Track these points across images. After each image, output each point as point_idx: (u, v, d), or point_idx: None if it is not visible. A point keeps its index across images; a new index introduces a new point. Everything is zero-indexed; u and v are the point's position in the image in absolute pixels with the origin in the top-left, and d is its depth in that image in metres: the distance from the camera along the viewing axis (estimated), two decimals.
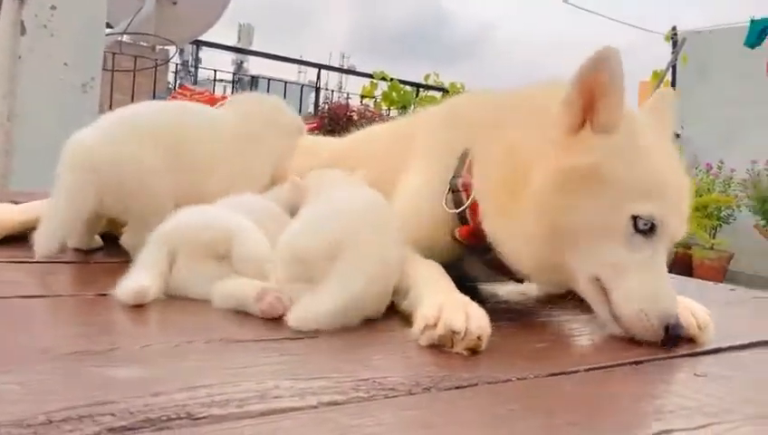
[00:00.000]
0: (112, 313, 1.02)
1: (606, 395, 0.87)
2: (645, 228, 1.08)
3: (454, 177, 1.28)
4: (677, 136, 8.64)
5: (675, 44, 8.00)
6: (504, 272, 1.25)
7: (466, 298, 1.06)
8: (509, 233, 1.17)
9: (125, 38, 4.41)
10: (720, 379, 0.96)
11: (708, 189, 7.49)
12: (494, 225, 1.19)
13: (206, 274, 1.08)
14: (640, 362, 1.00)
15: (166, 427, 0.63)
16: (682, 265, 7.22)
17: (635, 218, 1.08)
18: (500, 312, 1.23)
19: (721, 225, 7.52)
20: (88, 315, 1.04)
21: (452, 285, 1.15)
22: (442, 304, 1.00)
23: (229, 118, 1.53)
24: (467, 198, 1.24)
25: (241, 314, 1.04)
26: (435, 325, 0.97)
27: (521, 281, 1.31)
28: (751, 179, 7.39)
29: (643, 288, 1.08)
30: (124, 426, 0.62)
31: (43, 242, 1.22)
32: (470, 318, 0.97)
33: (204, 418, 0.66)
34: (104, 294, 1.07)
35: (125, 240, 1.33)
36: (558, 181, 1.10)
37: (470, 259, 1.32)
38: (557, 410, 0.79)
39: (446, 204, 1.27)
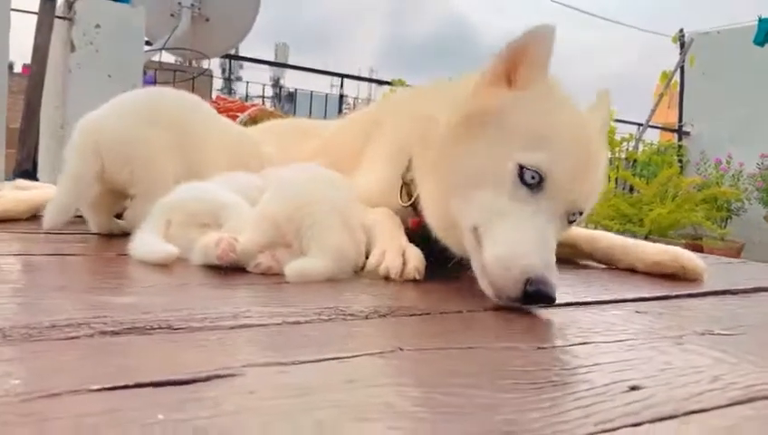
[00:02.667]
0: (124, 266, 1.13)
1: (541, 323, 0.94)
2: (532, 182, 1.02)
3: (408, 170, 1.32)
4: (687, 133, 8.59)
5: (682, 46, 7.95)
6: (452, 255, 1.19)
7: (406, 243, 1.20)
8: (425, 200, 1.20)
9: (164, 58, 4.56)
10: (655, 315, 1.02)
11: (717, 183, 7.42)
12: (424, 204, 1.22)
13: (191, 240, 1.15)
14: (590, 304, 1.07)
15: (147, 333, 0.72)
16: None
17: (521, 168, 1.02)
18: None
19: (731, 217, 7.44)
20: (105, 268, 1.14)
21: (399, 230, 1.25)
22: (385, 250, 1.16)
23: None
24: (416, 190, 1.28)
25: (233, 269, 1.12)
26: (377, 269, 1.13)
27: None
28: (760, 173, 7.30)
29: (513, 238, 0.99)
30: (113, 331, 0.71)
31: (51, 214, 1.28)
32: (407, 261, 1.14)
33: (181, 329, 0.75)
34: (123, 255, 1.17)
35: (128, 215, 1.38)
36: (460, 126, 1.09)
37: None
38: (500, 333, 0.87)
39: (401, 198, 1.34)
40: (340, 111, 9.07)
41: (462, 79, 1.22)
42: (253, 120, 4.28)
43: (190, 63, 4.74)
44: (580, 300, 1.08)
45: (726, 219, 7.37)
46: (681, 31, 8.09)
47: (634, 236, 6.27)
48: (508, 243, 0.98)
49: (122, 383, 0.54)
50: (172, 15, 4.38)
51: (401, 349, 0.71)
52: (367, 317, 0.87)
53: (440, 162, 1.13)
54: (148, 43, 4.22)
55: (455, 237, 1.13)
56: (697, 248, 7.49)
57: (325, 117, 6.74)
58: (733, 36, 8.00)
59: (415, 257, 1.17)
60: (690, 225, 6.57)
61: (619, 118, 7.90)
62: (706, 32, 8.23)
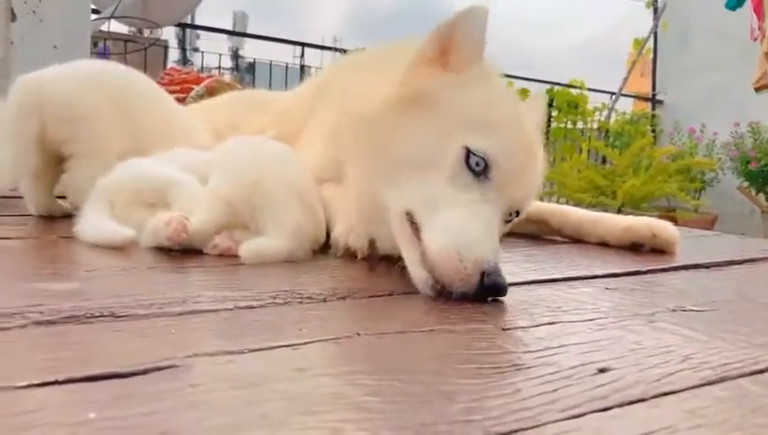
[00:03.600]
0: (67, 250, 1.09)
1: (507, 303, 0.92)
2: (477, 169, 0.97)
3: None
4: (660, 102, 8.66)
5: (656, 11, 7.98)
6: None
7: None
8: (352, 183, 1.17)
9: (115, 25, 4.45)
10: (626, 292, 1.02)
11: (691, 153, 7.50)
12: (351, 188, 1.19)
13: (138, 220, 1.12)
14: (559, 280, 1.06)
15: (87, 322, 0.70)
16: None
17: (467, 152, 0.97)
18: None
19: (704, 188, 7.53)
20: (45, 252, 1.10)
21: None
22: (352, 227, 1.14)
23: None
24: None
25: (186, 251, 1.09)
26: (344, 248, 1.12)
27: None
28: (734, 142, 7.39)
29: (461, 228, 0.92)
30: (49, 320, 0.69)
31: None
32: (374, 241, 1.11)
33: (126, 316, 0.73)
34: (66, 237, 1.14)
35: (67, 178, 1.34)
36: (394, 104, 1.05)
37: None
38: (464, 314, 0.86)
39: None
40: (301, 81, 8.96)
41: (403, 48, 1.15)
42: (209, 92, 4.20)
43: (141, 33, 4.64)
44: (548, 277, 1.07)
45: (700, 190, 7.47)
46: None
47: (606, 208, 6.35)
48: (457, 231, 0.91)
49: (52, 379, 0.51)
50: None
51: (359, 334, 0.70)
52: (325, 300, 0.86)
53: (371, 142, 1.08)
54: (95, 12, 4.12)
55: (380, 226, 1.07)
56: (671, 220, 7.53)
57: (286, 88, 6.64)
58: (706, 1, 8.05)
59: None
60: (664, 196, 6.65)
61: (591, 87, 7.94)
62: None
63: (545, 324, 0.78)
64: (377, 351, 0.66)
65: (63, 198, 1.37)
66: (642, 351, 0.69)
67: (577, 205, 6.78)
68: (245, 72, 11.91)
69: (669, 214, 7.15)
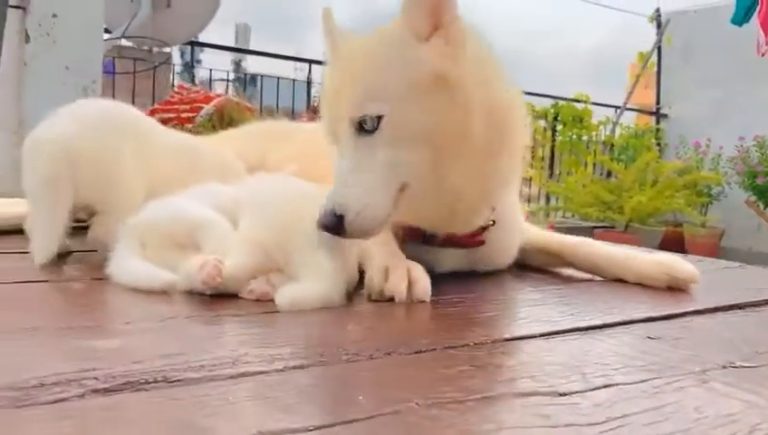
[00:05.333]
0: (98, 295, 1.09)
1: (559, 354, 0.92)
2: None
3: None
4: (665, 116, 8.67)
5: (659, 26, 8.00)
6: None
7: (410, 261, 1.17)
8: None
9: (123, 42, 4.46)
10: (670, 341, 1.00)
11: (697, 167, 7.50)
12: None
13: (171, 262, 1.12)
14: (599, 328, 1.05)
15: (143, 389, 0.69)
16: (674, 243, 7.24)
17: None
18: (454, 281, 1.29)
19: (711, 202, 7.53)
20: (76, 299, 1.10)
21: (395, 243, 1.22)
22: (387, 269, 1.13)
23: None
24: None
25: (221, 296, 1.08)
26: (380, 291, 1.11)
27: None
28: (740, 155, 7.39)
29: None
30: (106, 389, 0.68)
31: (41, 248, 1.23)
32: (415, 281, 1.12)
33: (179, 381, 0.72)
34: (97, 279, 1.13)
35: (95, 232, 1.32)
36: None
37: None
38: (516, 374, 0.85)
39: None
40: (308, 97, 8.97)
41: None
42: (219, 112, 4.21)
43: (151, 50, 4.64)
44: (587, 323, 1.06)
45: (707, 205, 7.47)
46: (657, 10, 8.14)
47: (613, 224, 6.34)
48: None
49: None
50: (131, 0, 4.28)
51: (417, 404, 0.69)
52: (371, 357, 0.85)
53: None
54: (106, 31, 4.13)
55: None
56: (678, 236, 7.60)
57: (293, 104, 6.63)
58: (710, 15, 8.07)
59: (422, 277, 1.15)
60: (671, 212, 6.65)
61: (595, 101, 7.95)
62: (683, 11, 8.29)
63: (600, 388, 0.77)
64: (437, 425, 0.65)
65: None
66: (706, 420, 0.68)
67: (584, 220, 6.80)
68: (249, 84, 11.94)
69: (676, 229, 7.16)
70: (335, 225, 1.04)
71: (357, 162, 1.10)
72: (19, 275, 1.18)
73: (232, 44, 18.30)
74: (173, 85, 5.08)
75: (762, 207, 7.29)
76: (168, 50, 4.68)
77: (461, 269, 1.38)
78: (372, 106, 1.10)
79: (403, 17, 1.14)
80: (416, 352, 0.88)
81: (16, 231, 1.46)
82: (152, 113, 3.96)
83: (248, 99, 6.07)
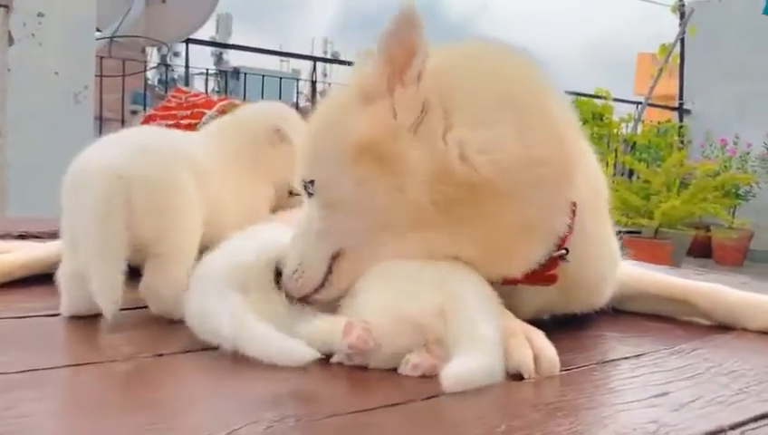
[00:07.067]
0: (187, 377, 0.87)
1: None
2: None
3: None
4: (688, 111, 8.53)
5: (682, 16, 7.84)
6: None
7: (522, 323, 1.03)
8: None
9: (113, 40, 4.25)
10: None
11: (726, 167, 7.36)
12: None
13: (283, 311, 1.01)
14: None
15: None
16: (701, 247, 7.10)
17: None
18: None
19: (740, 203, 7.39)
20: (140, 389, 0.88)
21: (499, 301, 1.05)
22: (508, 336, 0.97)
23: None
24: None
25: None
26: None
27: None
28: None
29: None
30: None
31: (105, 300, 1.03)
32: (540, 351, 0.96)
33: None
34: (175, 353, 0.92)
35: (150, 284, 1.11)
36: None
37: None
38: None
39: None
40: (298, 93, 8.80)
41: None
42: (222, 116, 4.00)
43: (144, 51, 4.44)
44: None
45: (735, 206, 7.33)
46: (680, 0, 7.99)
47: (641, 228, 6.18)
48: None
49: None
50: None
51: None
52: None
53: None
54: (96, 30, 3.92)
55: None
56: (706, 241, 7.45)
57: (280, 100, 6.42)
58: (736, 5, 7.93)
59: (546, 345, 0.98)
60: (706, 216, 6.51)
61: (617, 97, 7.81)
62: (708, 0, 8.15)
63: None
64: None
65: None
66: None
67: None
68: (231, 77, 11.75)
69: (706, 234, 7.02)
70: (277, 280, 1.06)
71: (304, 222, 1.10)
72: (53, 355, 0.97)
73: (213, 36, 18.04)
74: (149, 80, 4.88)
75: None
76: (165, 50, 4.48)
77: (539, 313, 1.20)
78: (307, 170, 1.10)
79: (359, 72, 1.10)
80: None
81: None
82: (149, 120, 3.76)
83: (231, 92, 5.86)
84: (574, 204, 1.10)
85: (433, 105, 1.03)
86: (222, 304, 0.96)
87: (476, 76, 1.08)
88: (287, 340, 0.91)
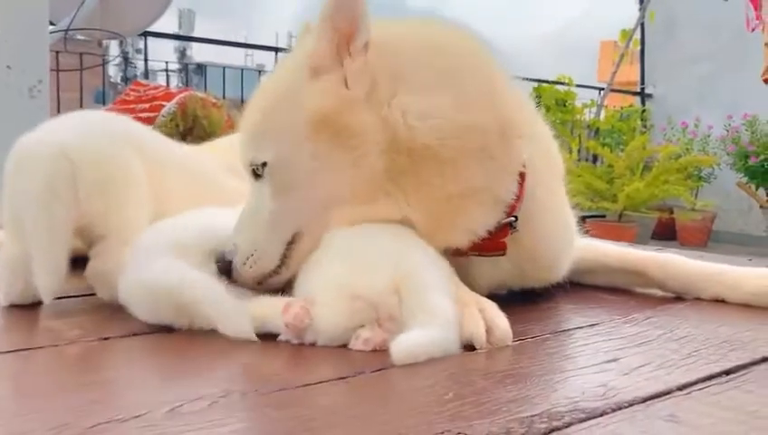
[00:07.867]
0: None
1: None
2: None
3: None
4: (650, 96, 8.61)
5: (642, 1, 7.89)
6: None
7: (474, 294, 1.03)
8: None
9: (69, 35, 4.17)
10: None
11: (687, 149, 7.43)
12: None
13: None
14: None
15: None
16: (666, 229, 7.17)
17: None
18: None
19: (702, 185, 7.48)
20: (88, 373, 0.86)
21: (454, 273, 1.06)
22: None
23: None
24: None
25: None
26: None
27: None
28: (730, 136, 7.35)
29: None
30: None
31: (46, 282, 1.02)
32: (492, 321, 0.96)
33: None
34: (134, 335, 0.90)
35: (97, 268, 1.10)
36: None
37: None
38: None
39: None
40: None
41: None
42: (182, 109, 3.94)
43: (100, 44, 4.36)
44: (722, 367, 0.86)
45: (697, 188, 7.41)
46: None
47: (606, 212, 6.22)
48: None
49: None
50: None
51: None
52: None
53: None
54: (50, 23, 3.85)
55: None
56: (670, 223, 7.50)
57: (242, 94, 6.35)
58: None
59: (499, 315, 0.98)
60: (669, 198, 6.58)
61: (579, 83, 7.85)
62: None
63: None
64: None
65: None
66: None
67: (574, 208, 6.58)
68: (194, 74, 11.61)
69: (669, 216, 7.10)
70: (226, 270, 1.04)
71: (252, 208, 1.08)
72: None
73: (176, 31, 17.82)
74: (111, 77, 4.80)
75: (754, 188, 7.27)
76: (125, 43, 4.41)
77: (496, 288, 1.19)
78: (256, 153, 1.06)
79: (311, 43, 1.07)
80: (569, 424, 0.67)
81: None
82: None
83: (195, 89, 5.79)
84: (522, 173, 1.09)
85: (381, 74, 1.02)
86: (170, 261, 0.97)
87: (421, 46, 1.07)
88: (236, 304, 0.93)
